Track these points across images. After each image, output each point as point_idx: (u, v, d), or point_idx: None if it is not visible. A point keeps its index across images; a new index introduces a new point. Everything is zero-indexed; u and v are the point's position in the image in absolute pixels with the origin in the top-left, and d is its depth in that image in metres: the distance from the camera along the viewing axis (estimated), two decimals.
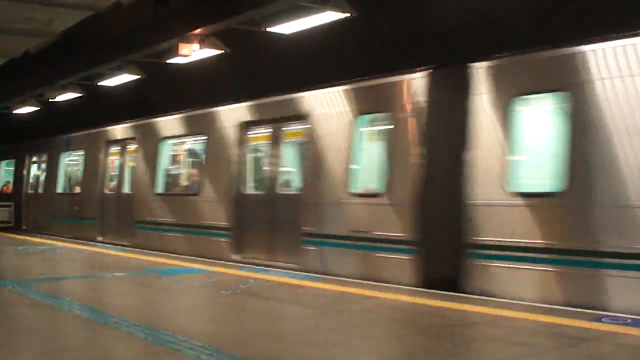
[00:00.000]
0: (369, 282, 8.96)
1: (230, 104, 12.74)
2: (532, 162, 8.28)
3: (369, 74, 9.95)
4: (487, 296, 7.82)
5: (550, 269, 7.55)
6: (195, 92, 14.36)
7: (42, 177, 21.32)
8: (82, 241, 16.36)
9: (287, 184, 12.01)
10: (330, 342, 5.75)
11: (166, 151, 14.84)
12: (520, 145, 8.08)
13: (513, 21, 8.58)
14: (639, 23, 7.13)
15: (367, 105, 9.98)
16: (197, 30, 11.34)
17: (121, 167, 16.61)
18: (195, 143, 14.23)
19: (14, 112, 20.75)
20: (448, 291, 8.08)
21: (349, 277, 9.40)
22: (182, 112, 14.23)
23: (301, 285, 8.91)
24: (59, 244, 15.78)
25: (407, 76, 9.36)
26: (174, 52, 11.75)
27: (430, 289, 8.33)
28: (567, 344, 5.60)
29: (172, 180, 14.88)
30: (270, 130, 11.90)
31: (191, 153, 14.63)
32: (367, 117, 10.10)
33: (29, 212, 21.74)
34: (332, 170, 10.29)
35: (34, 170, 22.24)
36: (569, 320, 6.38)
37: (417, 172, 9.04)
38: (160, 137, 14.81)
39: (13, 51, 12.87)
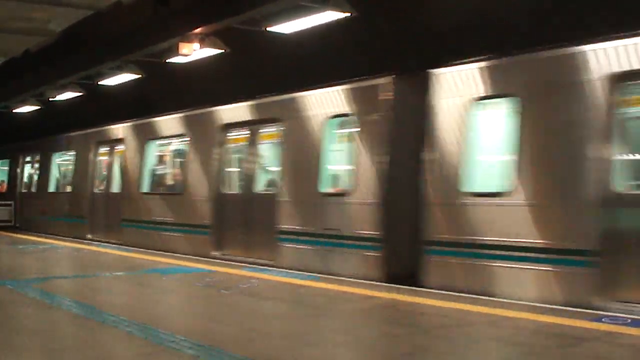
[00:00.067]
0: (369, 283, 8.96)
1: (212, 106, 13.19)
2: (484, 163, 8.71)
3: (340, 79, 10.32)
4: (444, 290, 8.15)
5: (500, 265, 8.00)
6: (178, 96, 14.84)
7: (35, 177, 21.75)
8: (81, 240, 16.49)
9: (263, 183, 12.37)
10: (330, 342, 5.75)
11: (152, 152, 15.39)
12: (474, 147, 8.54)
13: (472, 29, 9.04)
14: (590, 32, 7.52)
15: (336, 108, 10.38)
16: (197, 30, 11.34)
17: (110, 167, 17.13)
18: (179, 144, 14.70)
19: (13, 111, 20.84)
20: (409, 286, 8.51)
21: (321, 274, 9.77)
22: (167, 115, 14.68)
23: (302, 285, 8.91)
24: (56, 242, 15.79)
25: (372, 82, 9.82)
26: (174, 51, 11.75)
27: (393, 283, 8.74)
28: (568, 344, 5.59)
29: (157, 180, 15.39)
30: (248, 132, 12.38)
31: (175, 154, 15.12)
32: (336, 120, 10.49)
33: (22, 210, 22.10)
34: (305, 171, 10.78)
35: (27, 169, 22.70)
36: (569, 320, 6.38)
37: (381, 173, 9.51)
38: (146, 139, 15.32)
39: (13, 50, 12.88)
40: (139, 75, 14.60)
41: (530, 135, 7.89)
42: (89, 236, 16.97)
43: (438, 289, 8.25)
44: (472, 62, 8.57)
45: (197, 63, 12.57)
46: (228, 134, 12.78)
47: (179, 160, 14.80)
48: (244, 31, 10.94)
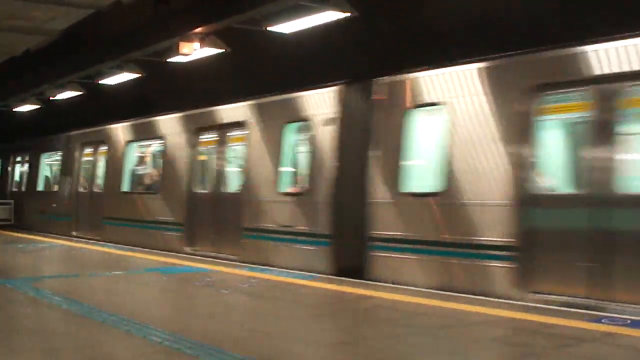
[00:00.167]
0: (369, 283, 8.99)
1: (185, 111, 13.89)
2: (419, 166, 9.42)
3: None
4: (385, 283, 8.84)
5: (431, 258, 8.75)
6: (163, 99, 15.28)
7: (25, 176, 22.25)
8: (69, 238, 16.86)
9: (229, 183, 12.98)
10: (330, 342, 5.75)
11: (132, 153, 16.18)
12: (410, 150, 9.26)
13: (413, 42, 9.81)
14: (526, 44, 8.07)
15: (292, 114, 11.17)
16: (198, 29, 11.34)
17: (93, 167, 17.80)
18: (156, 146, 15.51)
19: (12, 110, 20.90)
20: (355, 279, 9.12)
21: (279, 267, 10.52)
22: (145, 118, 15.37)
23: (302, 284, 8.92)
24: (51, 240, 15.80)
25: (324, 89, 10.55)
26: (175, 51, 11.77)
27: (341, 277, 9.42)
28: (566, 344, 5.59)
29: (136, 179, 16.05)
30: (217, 135, 13.11)
31: (152, 155, 15.90)
32: (293, 125, 11.30)
33: (15, 209, 22.37)
34: (266, 172, 11.56)
35: (17, 169, 23.31)
36: (567, 321, 6.38)
37: (331, 174, 10.24)
38: (126, 140, 16.06)
39: (14, 49, 12.89)
40: (139, 75, 14.61)
41: (458, 140, 8.53)
42: (74, 233, 17.58)
43: (381, 282, 8.90)
44: (409, 72, 9.30)
45: (196, 63, 12.59)
46: (200, 137, 13.50)
47: (155, 161, 15.54)
48: (244, 31, 10.95)
